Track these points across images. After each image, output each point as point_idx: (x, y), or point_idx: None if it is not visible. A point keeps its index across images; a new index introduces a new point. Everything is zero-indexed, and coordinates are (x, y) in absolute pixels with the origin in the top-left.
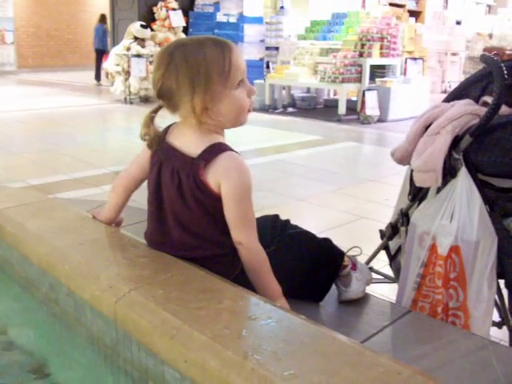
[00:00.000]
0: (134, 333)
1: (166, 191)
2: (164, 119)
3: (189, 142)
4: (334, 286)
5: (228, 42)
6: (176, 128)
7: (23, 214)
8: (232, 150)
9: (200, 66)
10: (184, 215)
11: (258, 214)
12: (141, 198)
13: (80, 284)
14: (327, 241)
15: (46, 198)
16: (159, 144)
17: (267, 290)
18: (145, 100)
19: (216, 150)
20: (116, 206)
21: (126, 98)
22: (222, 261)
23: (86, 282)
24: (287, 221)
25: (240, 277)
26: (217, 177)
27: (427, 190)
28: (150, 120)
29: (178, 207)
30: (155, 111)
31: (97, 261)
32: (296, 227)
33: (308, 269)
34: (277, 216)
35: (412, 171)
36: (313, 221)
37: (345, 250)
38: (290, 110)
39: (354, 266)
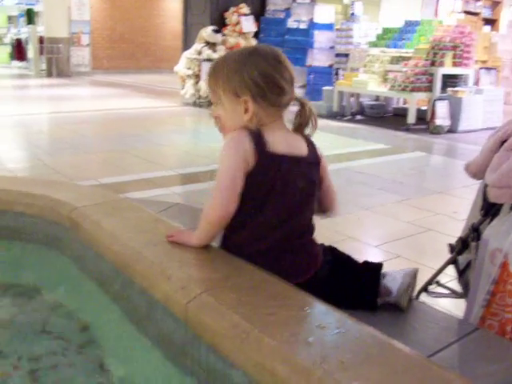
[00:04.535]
0: (203, 334)
1: (286, 200)
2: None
3: (292, 144)
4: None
5: None
6: (268, 135)
7: (99, 213)
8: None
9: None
10: (304, 216)
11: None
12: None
13: (152, 283)
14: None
15: (121, 197)
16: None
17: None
18: None
19: (312, 141)
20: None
21: (195, 102)
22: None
23: (159, 281)
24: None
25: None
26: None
27: (500, 205)
28: None
29: (298, 212)
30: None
31: (169, 261)
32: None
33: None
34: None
35: (486, 186)
36: (377, 231)
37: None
38: (359, 117)
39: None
